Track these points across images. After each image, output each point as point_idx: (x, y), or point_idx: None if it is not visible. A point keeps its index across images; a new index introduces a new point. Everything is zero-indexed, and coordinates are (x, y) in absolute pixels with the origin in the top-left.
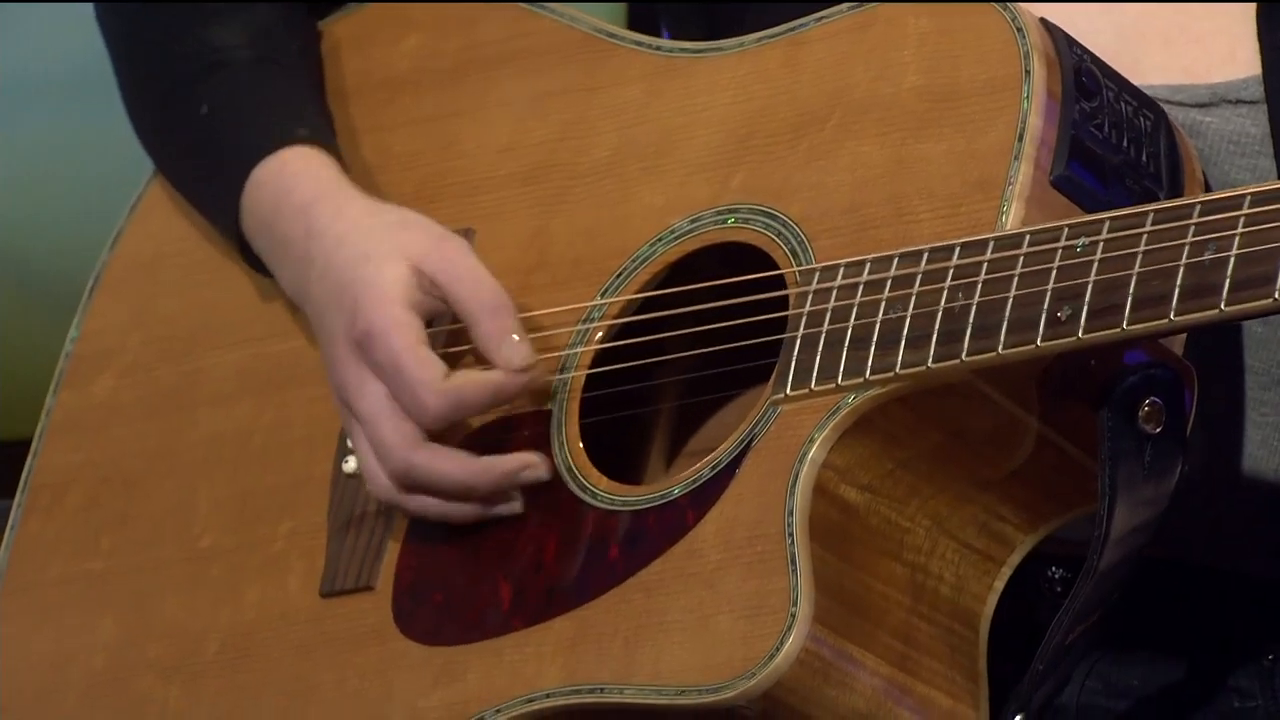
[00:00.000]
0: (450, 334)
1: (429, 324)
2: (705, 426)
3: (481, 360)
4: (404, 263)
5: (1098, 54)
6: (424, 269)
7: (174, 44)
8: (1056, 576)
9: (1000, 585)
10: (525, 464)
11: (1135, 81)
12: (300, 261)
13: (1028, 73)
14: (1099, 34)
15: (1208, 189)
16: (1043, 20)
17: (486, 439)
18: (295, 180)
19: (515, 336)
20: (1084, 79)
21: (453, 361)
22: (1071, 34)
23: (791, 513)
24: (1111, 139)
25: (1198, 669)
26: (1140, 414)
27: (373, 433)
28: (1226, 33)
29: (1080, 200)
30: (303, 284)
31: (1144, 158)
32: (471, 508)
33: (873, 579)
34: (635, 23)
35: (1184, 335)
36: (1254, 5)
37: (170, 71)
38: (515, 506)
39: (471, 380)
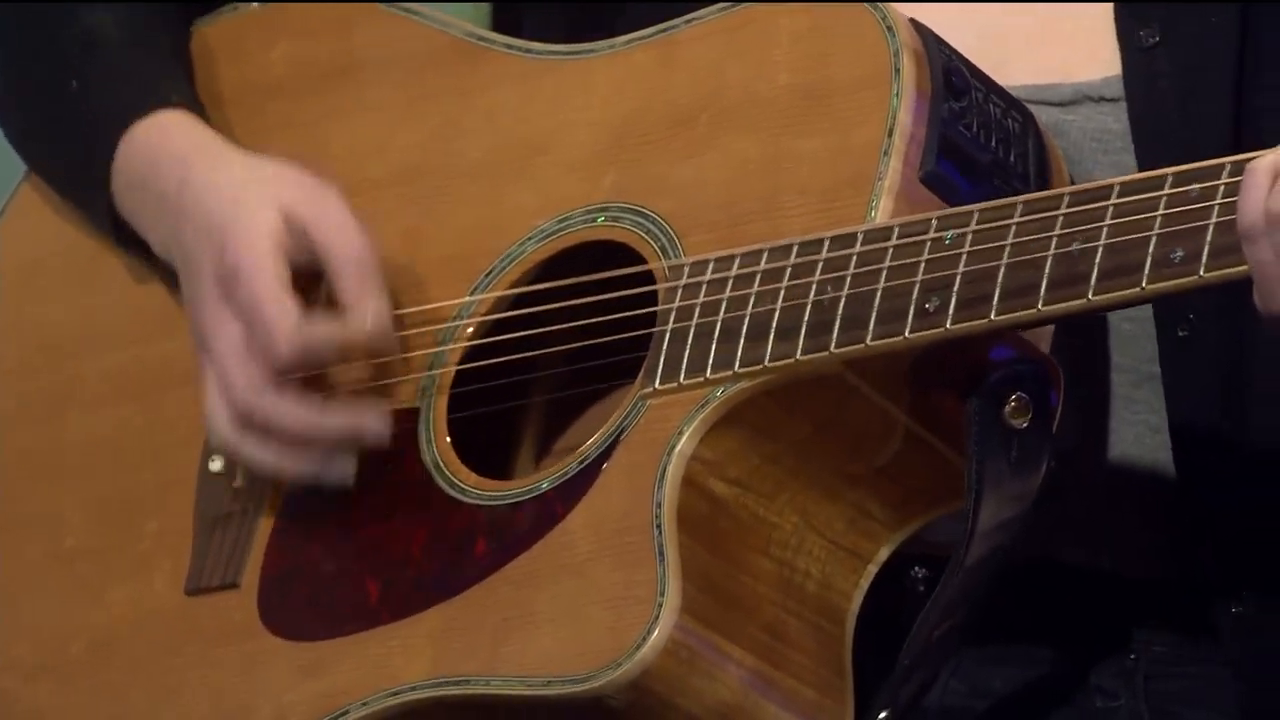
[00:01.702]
0: (315, 286)
1: (296, 274)
2: (575, 423)
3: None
4: (276, 209)
5: (962, 54)
6: (296, 217)
7: (45, 30)
8: (920, 576)
9: (866, 584)
10: (368, 421)
11: (1000, 81)
12: (174, 214)
13: (897, 70)
14: (963, 34)
15: None
16: (912, 20)
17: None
18: (172, 134)
19: (370, 293)
20: (953, 78)
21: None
22: (938, 32)
23: (660, 504)
24: (980, 138)
25: (1062, 669)
26: (1007, 408)
27: (221, 371)
28: (1088, 32)
29: (949, 197)
30: (174, 235)
31: (1012, 158)
32: (305, 463)
33: (740, 572)
34: (498, 24)
35: (1051, 333)
36: (1113, 5)
37: (40, 56)
38: (348, 470)
39: (323, 329)
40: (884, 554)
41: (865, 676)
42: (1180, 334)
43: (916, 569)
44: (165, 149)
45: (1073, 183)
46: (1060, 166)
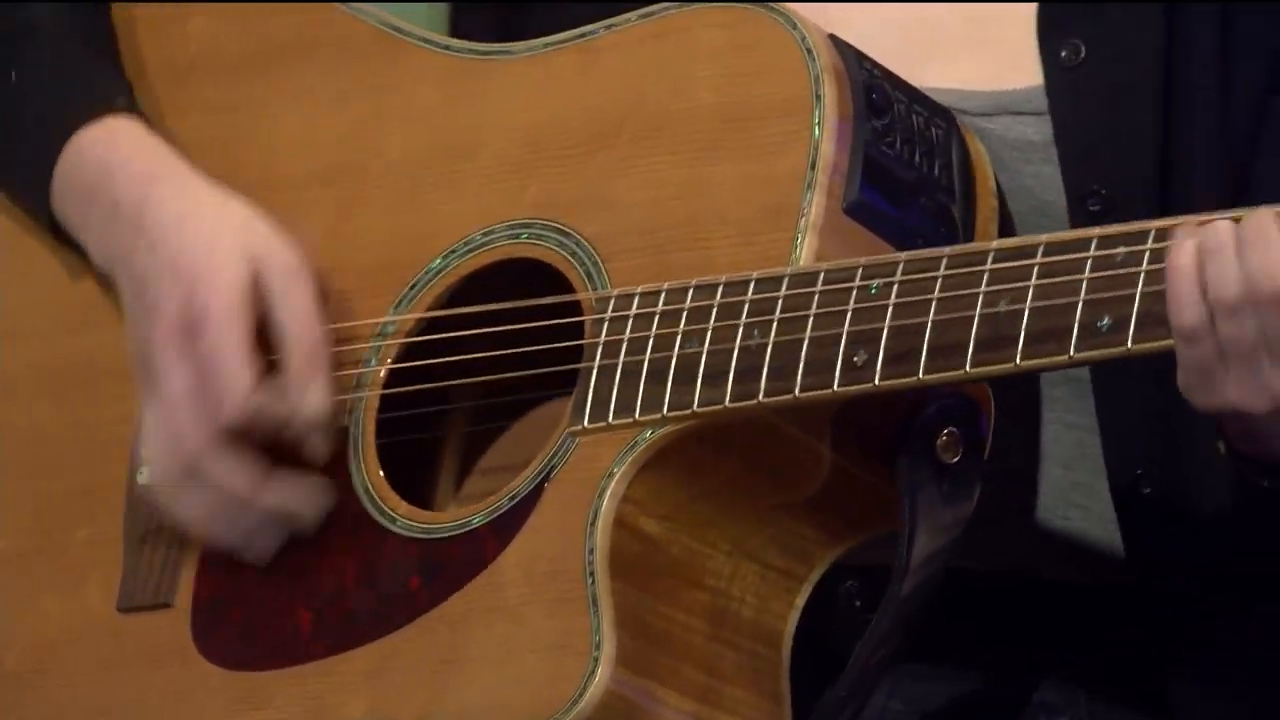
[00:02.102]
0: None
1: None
2: (502, 445)
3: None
4: (247, 262)
5: (884, 61)
6: (264, 277)
7: None
8: (854, 590)
9: (801, 602)
10: (303, 503)
11: (921, 85)
12: (129, 225)
13: (819, 97)
14: (886, 40)
15: (1000, 194)
16: (832, 37)
17: (284, 458)
18: (123, 146)
19: (317, 384)
20: (874, 96)
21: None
22: (860, 38)
23: (592, 550)
24: (904, 155)
25: (1003, 684)
26: (938, 444)
27: (171, 415)
28: (1009, 43)
29: (874, 225)
30: (124, 250)
31: (936, 170)
32: (233, 528)
33: (675, 610)
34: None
35: None
36: (1036, 18)
37: None
38: (270, 549)
39: (271, 404)
40: (818, 573)
41: (800, 691)
42: None
43: (849, 582)
44: (119, 163)
45: (999, 188)
46: (985, 173)
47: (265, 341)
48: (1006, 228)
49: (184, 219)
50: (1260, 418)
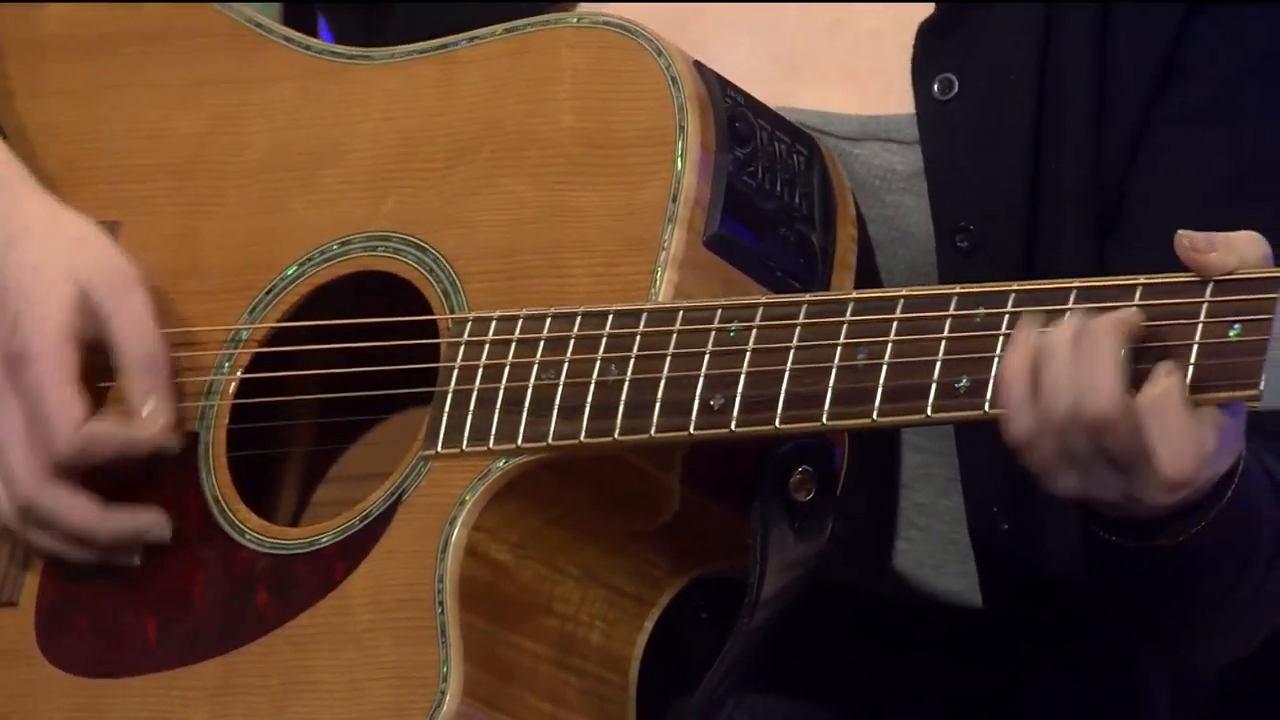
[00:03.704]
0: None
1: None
2: (356, 458)
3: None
4: (74, 285)
5: (756, 86)
6: (92, 297)
7: None
8: (702, 604)
9: (650, 625)
10: (151, 524)
11: (788, 108)
12: None
13: (682, 129)
14: (758, 66)
15: (861, 222)
16: (697, 64)
17: (131, 467)
18: None
19: (157, 397)
20: (738, 125)
21: (104, 394)
22: (732, 63)
23: (442, 579)
24: (765, 184)
25: (844, 699)
26: (790, 483)
27: (3, 457)
28: (882, 71)
29: (734, 257)
30: None
31: (797, 199)
32: (88, 553)
33: (523, 638)
34: (291, 20)
35: None
36: (911, 45)
37: None
38: (134, 560)
39: (105, 432)
40: (667, 598)
41: (649, 706)
42: None
43: (698, 597)
44: None
45: (860, 216)
46: (846, 200)
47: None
48: (866, 255)
49: (13, 241)
50: (1106, 504)
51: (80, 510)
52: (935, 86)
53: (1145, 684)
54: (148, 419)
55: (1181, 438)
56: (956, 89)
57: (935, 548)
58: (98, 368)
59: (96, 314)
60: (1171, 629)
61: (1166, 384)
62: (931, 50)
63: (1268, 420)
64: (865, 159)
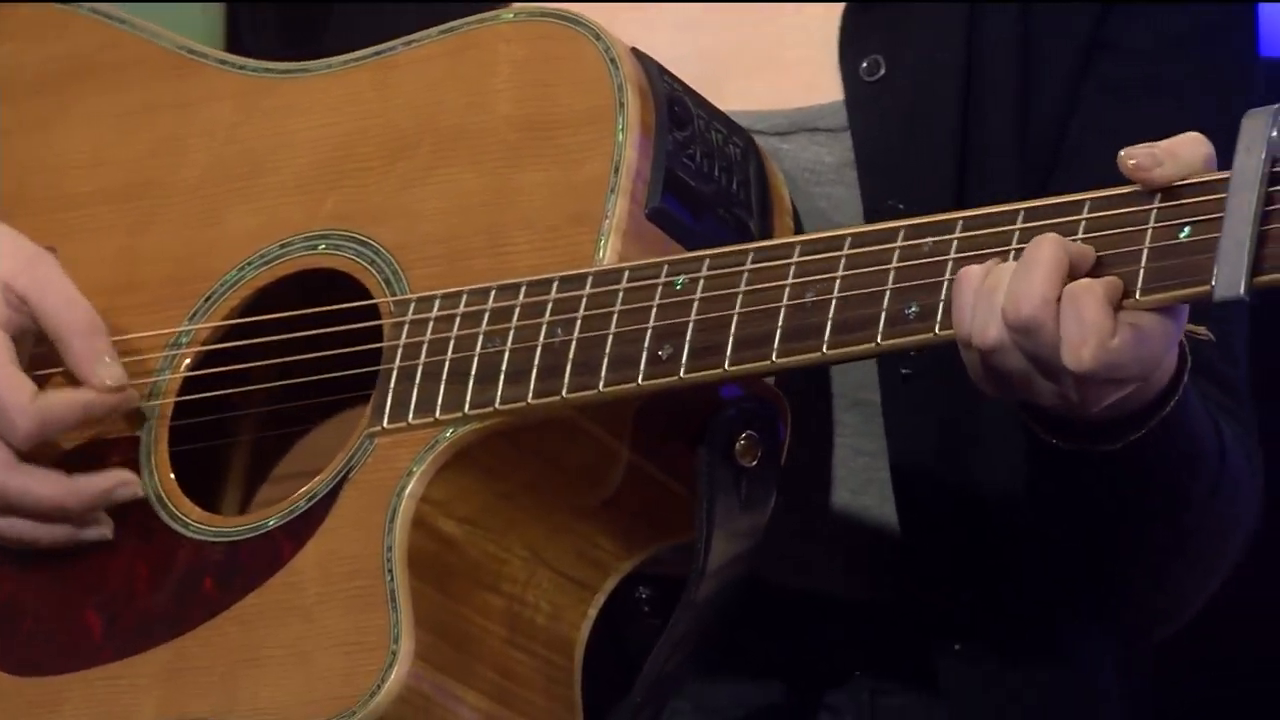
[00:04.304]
0: (40, 354)
1: (19, 343)
2: (301, 453)
3: (72, 380)
4: None
5: (683, 80)
6: (14, 287)
7: None
8: (644, 596)
9: (594, 612)
10: (119, 481)
11: (717, 106)
12: None
13: (621, 105)
14: (684, 60)
15: (795, 215)
16: (634, 50)
17: (76, 466)
18: None
19: (106, 357)
20: (676, 109)
21: (43, 382)
22: (660, 59)
23: (390, 548)
24: (704, 168)
25: (788, 688)
26: (736, 448)
27: None
28: (809, 63)
29: (674, 232)
30: None
31: (735, 185)
32: (63, 530)
33: (472, 612)
34: (232, 27)
35: None
36: (838, 35)
37: None
38: (105, 531)
39: (61, 399)
40: (612, 582)
41: (594, 696)
42: (903, 371)
43: (641, 589)
44: None
45: (795, 209)
46: (781, 192)
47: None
48: None
49: None
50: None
51: (50, 484)
52: (863, 67)
53: (1092, 674)
54: (100, 376)
55: (1089, 329)
56: (884, 70)
57: (882, 550)
58: (34, 366)
59: (23, 301)
60: (1114, 552)
61: (1089, 280)
62: (858, 32)
63: (1216, 371)
64: (794, 153)
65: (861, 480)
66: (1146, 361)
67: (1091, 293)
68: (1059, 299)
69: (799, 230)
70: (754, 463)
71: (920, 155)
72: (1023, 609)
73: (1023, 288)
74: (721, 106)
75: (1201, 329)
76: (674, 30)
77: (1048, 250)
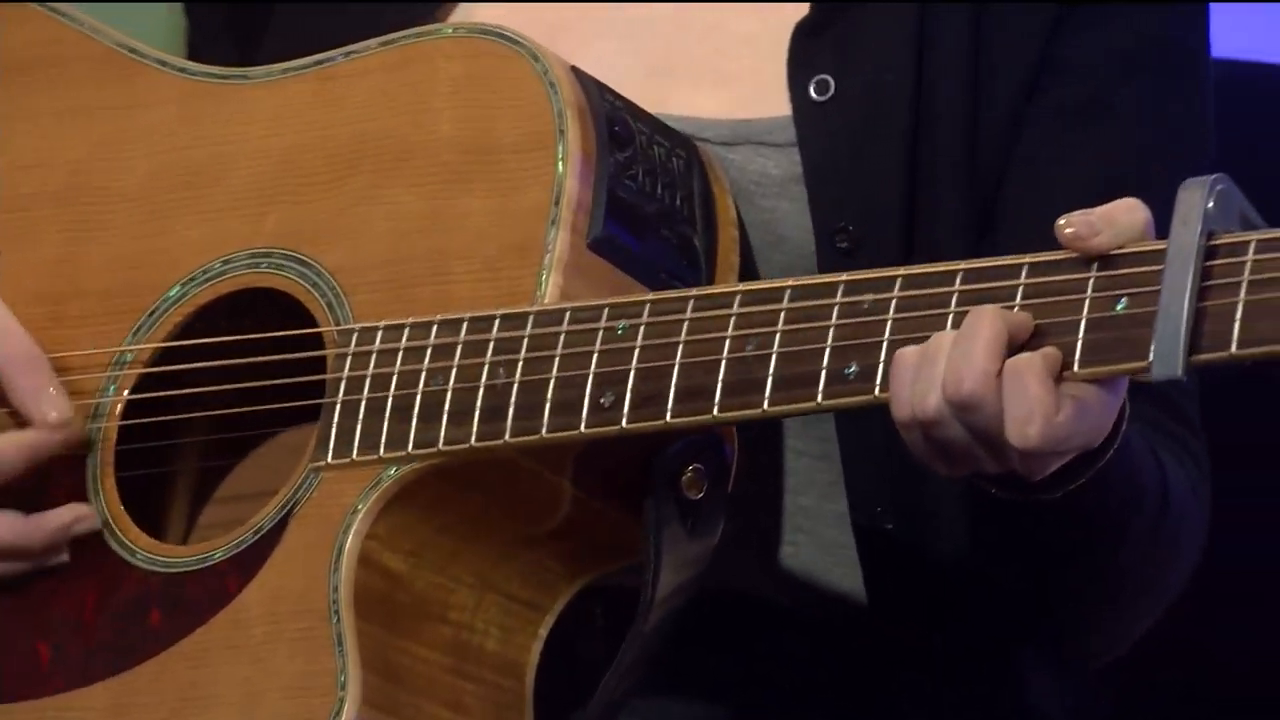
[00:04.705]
0: None
1: None
2: (246, 476)
3: (15, 417)
4: None
5: (627, 91)
6: None
7: None
8: (598, 612)
9: (545, 632)
10: (76, 517)
11: (662, 114)
12: None
13: (561, 132)
14: (629, 70)
15: (741, 225)
16: (574, 70)
17: (23, 494)
18: None
19: (51, 390)
20: (617, 128)
21: None
22: (604, 68)
23: (336, 589)
24: (646, 187)
25: (737, 707)
26: (682, 481)
27: None
28: (756, 74)
29: (618, 259)
30: None
31: (678, 201)
32: (23, 566)
33: (419, 646)
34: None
35: None
36: (783, 49)
37: None
38: (64, 558)
39: (9, 442)
40: (562, 603)
41: (545, 715)
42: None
43: (596, 606)
44: None
45: (740, 220)
46: (726, 202)
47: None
48: (748, 256)
49: None
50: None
51: (8, 525)
52: (812, 88)
53: (1031, 685)
54: (44, 412)
55: (1033, 405)
56: (833, 90)
57: (819, 552)
58: None
59: None
60: (1054, 588)
61: (1031, 355)
62: (807, 51)
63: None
64: (740, 164)
65: (801, 481)
66: (1089, 433)
67: (1033, 369)
68: (999, 373)
69: (745, 240)
70: (700, 495)
71: (869, 176)
72: (976, 627)
73: (963, 362)
74: (666, 116)
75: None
76: (619, 39)
77: (988, 323)
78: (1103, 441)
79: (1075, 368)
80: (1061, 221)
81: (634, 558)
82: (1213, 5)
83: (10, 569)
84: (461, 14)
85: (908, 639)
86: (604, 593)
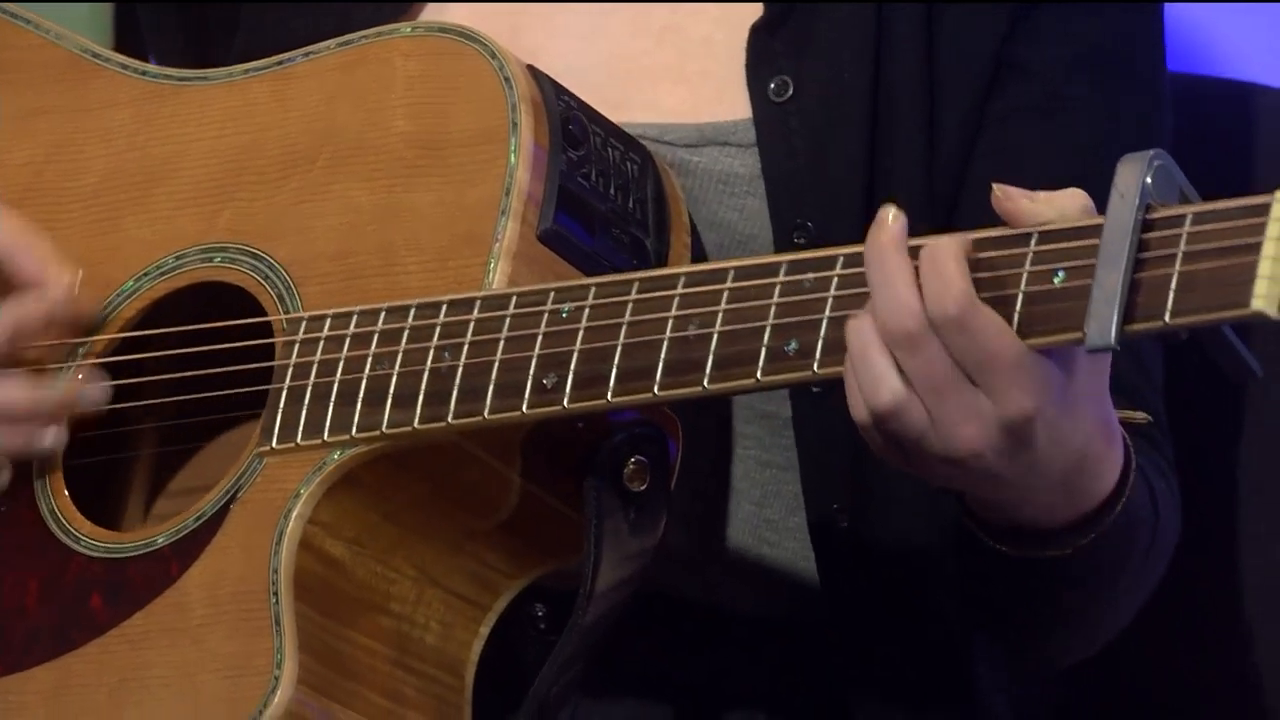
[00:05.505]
0: None
1: None
2: (198, 468)
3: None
4: None
5: (587, 91)
6: None
7: None
8: (540, 614)
9: (486, 630)
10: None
11: (623, 120)
12: None
13: (515, 125)
14: (589, 71)
15: (694, 232)
16: (530, 68)
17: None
18: None
19: (50, 257)
20: (571, 127)
21: None
22: (564, 69)
23: (276, 570)
24: (599, 187)
25: (683, 710)
26: (625, 473)
27: None
28: (715, 75)
29: (567, 253)
30: None
31: (631, 204)
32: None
33: (359, 635)
34: (120, 24)
35: None
36: (742, 49)
37: None
38: (62, 438)
39: (20, 308)
40: (503, 602)
41: (485, 715)
42: (814, 390)
43: (537, 606)
44: None
45: (694, 227)
46: (680, 209)
47: None
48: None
49: None
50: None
51: (22, 389)
52: (771, 88)
53: (982, 686)
54: (53, 277)
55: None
56: (792, 90)
57: (785, 563)
58: None
59: None
60: (1035, 629)
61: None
62: (765, 52)
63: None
64: (705, 165)
65: (767, 493)
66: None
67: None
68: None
69: (699, 247)
70: (643, 487)
71: (829, 176)
72: (931, 633)
73: (893, 302)
74: (628, 118)
75: (1139, 414)
76: (579, 40)
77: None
78: (1111, 494)
79: None
80: (999, 192)
81: (576, 557)
82: (1167, 6)
83: (14, 439)
84: (429, 15)
85: (859, 635)
86: (547, 594)
